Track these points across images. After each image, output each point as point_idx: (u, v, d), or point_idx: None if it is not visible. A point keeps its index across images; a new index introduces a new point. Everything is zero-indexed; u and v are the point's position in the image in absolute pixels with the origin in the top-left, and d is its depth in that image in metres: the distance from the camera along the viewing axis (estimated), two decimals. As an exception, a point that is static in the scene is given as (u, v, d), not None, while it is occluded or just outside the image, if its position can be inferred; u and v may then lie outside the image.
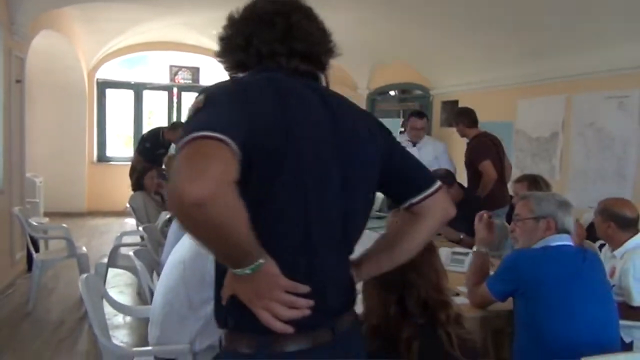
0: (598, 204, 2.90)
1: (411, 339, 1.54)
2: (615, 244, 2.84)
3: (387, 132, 1.38)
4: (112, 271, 4.56)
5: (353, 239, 1.32)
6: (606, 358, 1.80)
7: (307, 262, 1.17)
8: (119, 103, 9.35)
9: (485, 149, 4.85)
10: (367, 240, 1.38)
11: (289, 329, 1.09)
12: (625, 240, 2.78)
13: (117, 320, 4.08)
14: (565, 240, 2.25)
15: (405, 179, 1.36)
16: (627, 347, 2.66)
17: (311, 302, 1.11)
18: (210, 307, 2.15)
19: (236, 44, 1.30)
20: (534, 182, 3.29)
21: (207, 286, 2.14)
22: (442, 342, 1.57)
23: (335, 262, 1.25)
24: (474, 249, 2.58)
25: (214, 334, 2.18)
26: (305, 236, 1.17)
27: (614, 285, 2.80)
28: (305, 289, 1.11)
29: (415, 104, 8.79)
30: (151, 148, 6.42)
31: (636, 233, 2.80)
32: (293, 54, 1.28)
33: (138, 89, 9.10)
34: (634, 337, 2.74)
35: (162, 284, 2.28)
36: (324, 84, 1.34)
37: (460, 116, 5.10)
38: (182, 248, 2.25)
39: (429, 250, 1.69)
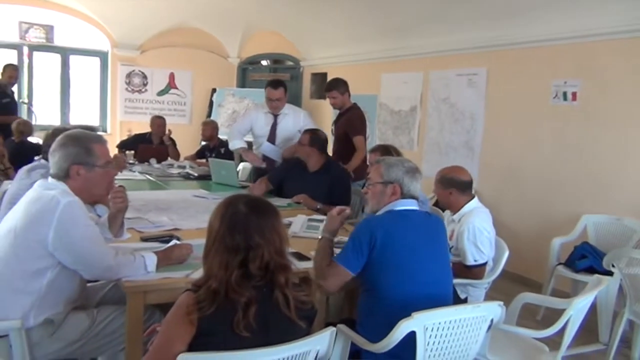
0: (436, 174, 3.09)
1: (250, 303, 1.55)
2: (455, 209, 3.06)
3: None
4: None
5: None
6: (433, 311, 1.93)
7: None
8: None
9: (362, 123, 4.91)
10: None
11: None
12: (464, 204, 3.00)
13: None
14: (410, 205, 2.31)
15: None
16: (463, 303, 2.90)
17: None
18: (46, 279, 2.03)
19: None
20: (386, 151, 3.44)
21: (44, 255, 2.02)
22: (279, 304, 1.60)
23: None
24: (321, 233, 2.51)
25: (51, 307, 2.08)
26: None
27: (452, 247, 3.04)
28: None
29: (286, 75, 8.81)
30: None
31: (472, 197, 3.03)
32: None
33: (-19, 46, 8.13)
34: (468, 293, 2.99)
35: None
36: None
37: (341, 85, 4.91)
38: (14, 216, 2.09)
39: (274, 215, 1.71)
